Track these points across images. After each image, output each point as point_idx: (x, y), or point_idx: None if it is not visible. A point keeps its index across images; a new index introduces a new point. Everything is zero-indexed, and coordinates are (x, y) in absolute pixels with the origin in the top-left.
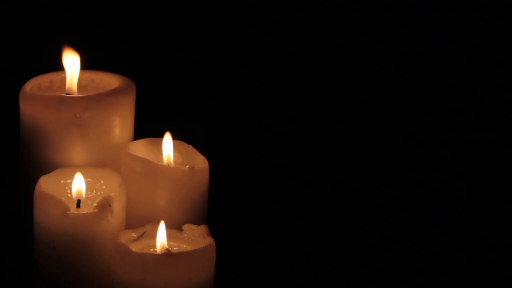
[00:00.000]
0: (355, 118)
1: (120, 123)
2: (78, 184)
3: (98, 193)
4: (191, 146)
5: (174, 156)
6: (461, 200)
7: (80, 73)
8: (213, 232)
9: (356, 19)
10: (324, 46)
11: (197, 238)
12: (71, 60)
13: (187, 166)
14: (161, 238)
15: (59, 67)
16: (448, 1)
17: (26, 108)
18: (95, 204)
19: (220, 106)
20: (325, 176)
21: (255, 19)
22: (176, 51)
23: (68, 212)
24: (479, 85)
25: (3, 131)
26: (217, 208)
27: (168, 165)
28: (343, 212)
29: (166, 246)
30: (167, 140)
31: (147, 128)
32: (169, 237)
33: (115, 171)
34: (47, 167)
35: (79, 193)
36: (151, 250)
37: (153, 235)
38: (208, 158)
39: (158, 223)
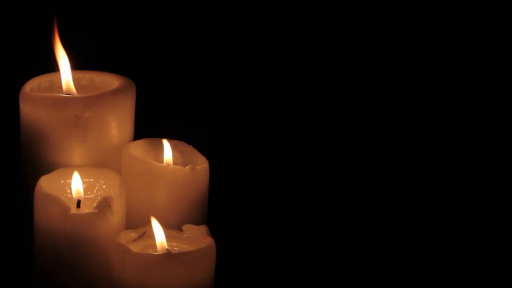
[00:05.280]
0: (356, 119)
1: (120, 123)
2: (76, 184)
3: (98, 193)
4: (191, 146)
5: (174, 156)
6: (460, 200)
7: (80, 73)
8: (213, 232)
9: (355, 19)
10: (323, 46)
11: (197, 238)
12: (62, 60)
13: (187, 166)
14: (159, 236)
15: (58, 68)
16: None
17: (26, 108)
18: (95, 204)
19: (220, 106)
20: (326, 176)
21: (254, 20)
22: (176, 51)
23: (68, 212)
24: (479, 85)
25: (3, 131)
26: (217, 208)
27: (168, 165)
28: (344, 212)
29: (166, 246)
30: (166, 145)
31: (147, 128)
32: (169, 237)
33: (115, 171)
34: (47, 167)
35: (78, 193)
36: (151, 250)
37: (153, 235)
38: (208, 158)
39: (161, 224)
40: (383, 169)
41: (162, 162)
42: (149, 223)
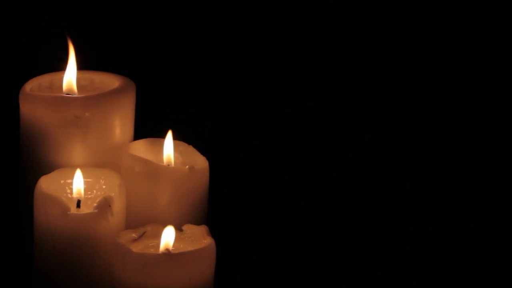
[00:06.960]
0: (355, 119)
1: (120, 123)
2: (78, 183)
3: (98, 193)
4: (191, 146)
5: (174, 156)
6: (460, 201)
7: (80, 73)
8: (213, 232)
9: (355, 19)
10: (323, 46)
11: (197, 238)
12: (70, 60)
13: (187, 166)
14: (168, 238)
15: (59, 67)
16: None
17: (26, 108)
18: (95, 204)
19: (220, 106)
20: (325, 176)
21: (254, 20)
22: (176, 51)
23: (68, 212)
24: (479, 86)
25: (3, 131)
26: (217, 208)
27: (168, 165)
28: (344, 212)
29: (170, 248)
30: (169, 139)
31: (147, 128)
32: None
33: (115, 171)
34: (47, 167)
35: (78, 193)
36: (151, 250)
37: (153, 235)
38: (208, 158)
39: (161, 224)
40: (382, 169)
41: (162, 162)
42: (151, 223)
